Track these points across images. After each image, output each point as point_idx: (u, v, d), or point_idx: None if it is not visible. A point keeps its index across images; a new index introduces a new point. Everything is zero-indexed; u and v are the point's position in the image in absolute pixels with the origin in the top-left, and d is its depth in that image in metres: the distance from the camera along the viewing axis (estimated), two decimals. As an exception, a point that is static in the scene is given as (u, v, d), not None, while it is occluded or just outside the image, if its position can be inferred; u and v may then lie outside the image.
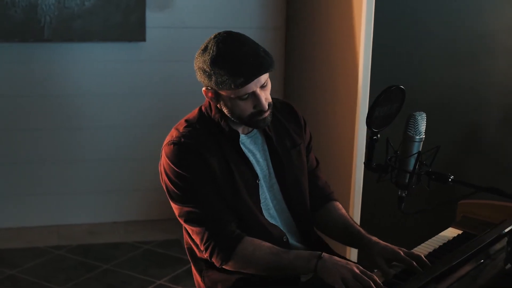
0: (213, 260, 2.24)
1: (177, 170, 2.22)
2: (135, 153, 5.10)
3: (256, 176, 2.33)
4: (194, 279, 2.48)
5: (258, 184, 2.33)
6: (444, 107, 4.01)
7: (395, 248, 2.22)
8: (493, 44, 4.02)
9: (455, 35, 3.95)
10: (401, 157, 2.10)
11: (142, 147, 5.07)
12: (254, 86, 2.14)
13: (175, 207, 2.29)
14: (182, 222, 2.29)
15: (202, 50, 2.21)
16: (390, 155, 2.13)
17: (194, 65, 2.24)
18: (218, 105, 2.27)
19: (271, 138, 2.37)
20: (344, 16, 3.98)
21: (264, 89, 2.19)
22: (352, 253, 3.91)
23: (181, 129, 2.28)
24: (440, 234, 2.56)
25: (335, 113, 4.17)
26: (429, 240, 2.49)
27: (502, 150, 4.19)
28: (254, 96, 2.18)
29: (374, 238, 2.31)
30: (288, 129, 2.43)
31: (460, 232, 2.55)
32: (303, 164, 2.45)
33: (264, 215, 2.34)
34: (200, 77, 2.23)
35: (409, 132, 2.08)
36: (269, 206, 2.38)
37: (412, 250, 2.25)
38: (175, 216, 2.33)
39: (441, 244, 2.42)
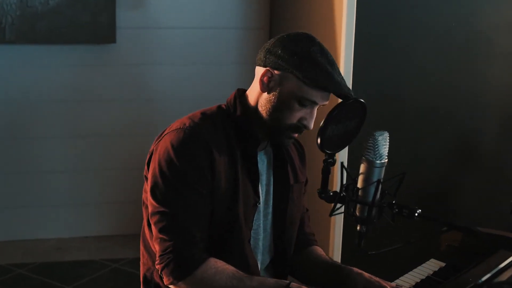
0: (164, 274, 1.99)
1: (175, 160, 1.98)
2: (107, 163, 4.86)
3: (258, 198, 2.12)
4: None
5: (257, 207, 2.13)
6: (437, 113, 3.85)
7: (382, 281, 2.04)
8: (490, 45, 3.85)
9: (448, 34, 3.78)
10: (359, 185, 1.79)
11: (114, 157, 4.83)
12: (321, 98, 1.97)
13: (151, 203, 2.03)
14: (151, 222, 2.04)
15: (294, 35, 2.02)
16: (348, 182, 1.82)
17: (274, 42, 2.02)
18: (257, 101, 2.05)
19: (281, 163, 2.19)
20: (327, 16, 3.84)
21: (315, 111, 2.01)
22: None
23: (195, 119, 2.06)
24: (421, 266, 2.37)
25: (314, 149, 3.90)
26: (409, 273, 2.30)
27: (499, 158, 4.04)
28: (310, 109, 1.99)
29: (356, 269, 2.11)
30: (295, 164, 2.25)
31: (442, 265, 2.37)
32: (300, 203, 2.29)
33: (251, 243, 2.14)
34: (274, 54, 1.99)
35: (368, 155, 1.77)
36: (259, 236, 2.19)
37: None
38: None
39: (423, 278, 2.25)
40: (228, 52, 4.75)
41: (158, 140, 2.08)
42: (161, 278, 2.07)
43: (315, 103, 1.98)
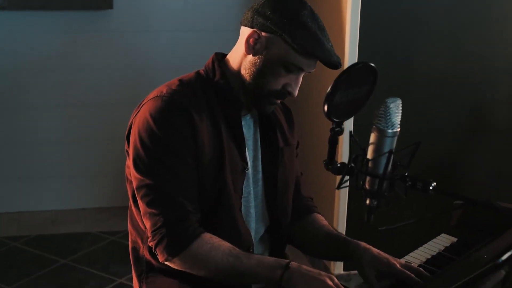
0: (157, 251, 1.91)
1: (156, 129, 1.89)
2: (104, 133, 4.75)
3: (246, 164, 2.04)
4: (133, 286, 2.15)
5: (245, 174, 2.05)
6: (447, 83, 3.70)
7: (390, 258, 1.97)
8: (504, 7, 3.70)
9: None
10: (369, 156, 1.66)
11: (112, 126, 4.70)
12: (308, 66, 1.93)
13: (135, 177, 1.94)
14: (138, 197, 1.95)
15: None
16: (356, 153, 1.68)
17: (263, 3, 1.94)
18: (240, 63, 1.99)
19: (267, 128, 2.12)
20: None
21: (301, 78, 1.98)
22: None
23: (173, 86, 1.98)
24: (431, 241, 2.25)
25: (316, 113, 3.84)
26: (419, 248, 2.19)
27: (512, 132, 3.89)
28: (296, 76, 1.95)
29: (363, 244, 2.04)
30: (283, 127, 2.18)
31: (454, 240, 2.25)
32: (293, 167, 2.20)
33: (242, 211, 2.05)
34: (262, 15, 1.92)
35: (379, 124, 1.63)
36: (250, 204, 2.10)
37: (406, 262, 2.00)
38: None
39: (434, 254, 2.15)
40: (229, 18, 4.61)
41: (136, 112, 1.99)
42: (153, 256, 1.98)
43: (301, 70, 1.94)
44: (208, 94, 1.99)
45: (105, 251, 4.19)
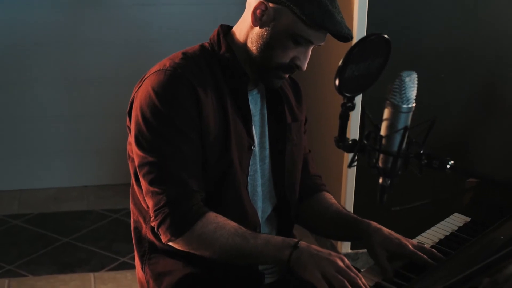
0: (160, 231, 1.85)
1: (158, 104, 1.82)
2: (107, 109, 4.68)
3: (252, 141, 1.97)
4: (136, 268, 2.09)
5: (252, 151, 1.97)
6: (458, 56, 3.60)
7: (402, 239, 1.91)
8: None
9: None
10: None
11: (115, 102, 4.61)
12: (317, 38, 1.85)
13: (137, 154, 1.88)
14: (140, 175, 1.88)
15: None
16: (369, 130, 1.59)
17: None
18: (247, 36, 1.91)
19: (275, 103, 2.05)
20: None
21: (310, 51, 1.90)
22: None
23: (176, 59, 1.90)
24: (444, 221, 2.19)
25: (325, 88, 3.75)
26: (431, 228, 2.13)
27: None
28: (305, 49, 1.88)
29: (374, 224, 1.98)
30: (291, 103, 2.11)
31: (467, 219, 2.19)
32: (301, 144, 2.14)
33: (248, 190, 1.98)
34: None
35: (393, 99, 1.54)
36: (257, 182, 2.03)
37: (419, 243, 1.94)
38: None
39: (447, 234, 2.09)
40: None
41: (138, 86, 1.91)
42: (156, 236, 1.91)
43: (310, 43, 1.86)
44: (213, 67, 1.92)
45: (108, 230, 4.13)
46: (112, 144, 4.71)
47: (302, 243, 1.78)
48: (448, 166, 1.50)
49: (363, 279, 1.69)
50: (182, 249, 1.87)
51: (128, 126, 1.97)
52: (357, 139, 1.60)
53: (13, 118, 4.55)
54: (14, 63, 4.45)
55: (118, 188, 4.66)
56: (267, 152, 2.05)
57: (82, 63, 4.55)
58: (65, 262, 3.73)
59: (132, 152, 1.93)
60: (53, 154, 4.68)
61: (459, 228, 2.12)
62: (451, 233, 2.08)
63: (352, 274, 1.69)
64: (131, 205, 2.07)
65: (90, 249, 3.88)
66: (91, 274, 3.62)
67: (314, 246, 1.78)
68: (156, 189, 1.84)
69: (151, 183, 1.84)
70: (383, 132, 1.57)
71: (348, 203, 3.60)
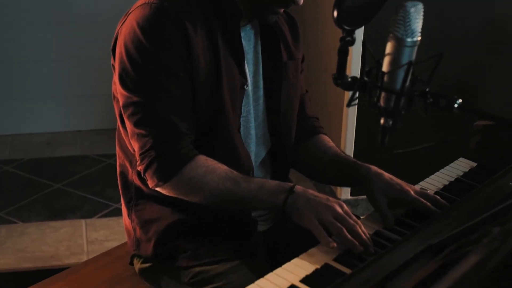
0: (147, 176, 1.77)
1: (144, 40, 1.73)
2: (101, 51, 4.47)
3: (245, 79, 1.88)
4: (123, 215, 2.02)
5: (245, 91, 1.89)
6: None
7: (404, 184, 1.84)
8: None
9: None
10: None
11: (108, 43, 4.33)
12: None
13: (121, 94, 1.81)
14: (124, 116, 1.82)
15: None
16: (370, 66, 1.49)
17: None
18: None
19: (270, 40, 1.95)
20: None
21: None
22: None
23: None
24: (448, 166, 2.11)
25: (323, 22, 3.63)
26: (435, 174, 2.05)
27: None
28: None
29: (374, 168, 1.90)
30: (287, 40, 2.01)
31: (473, 165, 2.11)
32: (298, 83, 2.05)
33: (241, 132, 1.90)
34: None
35: (397, 32, 1.43)
36: (250, 124, 1.95)
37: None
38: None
39: (452, 180, 2.02)
40: None
41: (123, 21, 1.81)
42: (143, 181, 1.81)
43: None
44: (203, 1, 1.81)
45: (101, 175, 4.09)
46: (106, 88, 4.56)
47: (298, 188, 1.71)
48: (456, 106, 1.41)
49: (362, 227, 1.63)
50: (170, 195, 1.80)
51: (112, 65, 1.89)
52: (357, 76, 1.50)
53: (4, 62, 4.46)
54: (2, 4, 4.34)
55: (113, 133, 4.53)
56: (261, 92, 1.97)
57: (75, 3, 4.45)
58: (56, 208, 3.68)
59: (117, 92, 1.85)
60: (46, 98, 4.61)
61: (465, 173, 2.05)
62: (456, 179, 2.01)
63: (351, 221, 1.62)
64: (117, 148, 2.00)
65: (82, 195, 3.83)
66: (83, 221, 3.57)
67: (311, 191, 1.71)
68: (142, 131, 1.75)
69: (136, 124, 1.76)
70: (385, 68, 1.47)
71: (348, 146, 3.54)
